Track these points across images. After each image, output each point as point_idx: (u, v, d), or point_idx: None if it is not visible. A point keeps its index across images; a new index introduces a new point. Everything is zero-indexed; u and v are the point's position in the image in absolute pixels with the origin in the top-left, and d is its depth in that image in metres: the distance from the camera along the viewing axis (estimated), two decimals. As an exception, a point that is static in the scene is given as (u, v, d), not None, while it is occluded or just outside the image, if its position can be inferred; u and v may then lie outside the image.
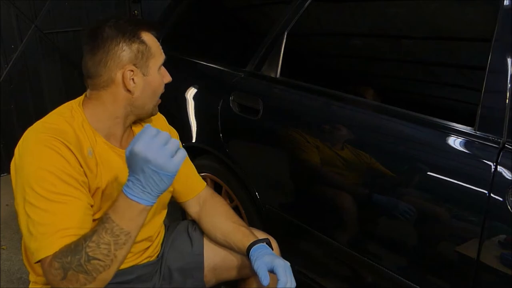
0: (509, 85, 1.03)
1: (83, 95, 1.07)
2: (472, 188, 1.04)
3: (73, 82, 3.04)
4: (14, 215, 2.00)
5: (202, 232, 1.25)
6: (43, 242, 0.86)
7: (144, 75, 1.02)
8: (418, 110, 1.19)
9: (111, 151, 1.04)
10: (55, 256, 0.84)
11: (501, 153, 1.01)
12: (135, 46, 0.99)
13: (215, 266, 1.23)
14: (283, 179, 1.53)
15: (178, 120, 1.84)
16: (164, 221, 1.27)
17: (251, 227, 1.21)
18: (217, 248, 1.23)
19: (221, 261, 1.23)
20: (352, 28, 1.57)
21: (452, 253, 1.10)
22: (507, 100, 1.03)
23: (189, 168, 1.26)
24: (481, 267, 1.04)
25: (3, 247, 2.23)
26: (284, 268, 0.99)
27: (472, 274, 1.07)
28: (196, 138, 1.81)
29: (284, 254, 1.59)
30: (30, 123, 0.97)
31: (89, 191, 0.97)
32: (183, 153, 0.85)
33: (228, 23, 2.03)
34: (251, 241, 1.10)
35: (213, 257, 1.23)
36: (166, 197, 1.19)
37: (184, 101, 1.83)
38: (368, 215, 1.29)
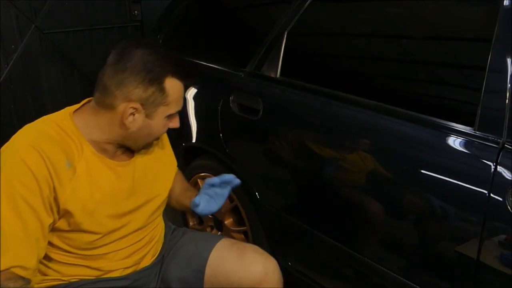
0: (509, 85, 1.03)
1: (81, 104, 1.04)
2: (472, 188, 1.04)
3: (73, 82, 3.04)
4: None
5: (210, 248, 1.20)
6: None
7: (147, 117, 1.00)
8: (418, 110, 1.19)
9: (100, 163, 1.01)
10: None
11: (501, 153, 1.01)
12: (151, 89, 0.97)
13: (216, 283, 1.18)
14: (283, 179, 1.53)
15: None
16: (167, 222, 1.27)
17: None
18: (219, 266, 1.17)
19: (223, 280, 1.17)
20: (352, 28, 1.57)
21: (452, 253, 1.10)
22: (507, 100, 1.03)
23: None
24: (481, 267, 1.04)
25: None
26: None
27: (472, 274, 1.07)
28: (196, 138, 1.81)
29: (284, 254, 1.59)
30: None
31: (58, 205, 0.94)
32: None
33: (228, 23, 2.03)
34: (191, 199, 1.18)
35: (214, 278, 1.17)
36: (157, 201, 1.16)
37: (184, 101, 1.82)
38: (368, 215, 1.29)
